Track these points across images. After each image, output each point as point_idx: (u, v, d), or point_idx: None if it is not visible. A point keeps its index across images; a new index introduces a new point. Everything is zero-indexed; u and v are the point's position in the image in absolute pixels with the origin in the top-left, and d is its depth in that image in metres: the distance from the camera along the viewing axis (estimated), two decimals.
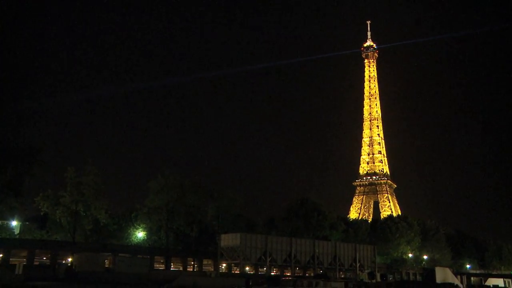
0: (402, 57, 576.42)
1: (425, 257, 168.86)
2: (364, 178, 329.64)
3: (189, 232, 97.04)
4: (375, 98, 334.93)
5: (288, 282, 70.58)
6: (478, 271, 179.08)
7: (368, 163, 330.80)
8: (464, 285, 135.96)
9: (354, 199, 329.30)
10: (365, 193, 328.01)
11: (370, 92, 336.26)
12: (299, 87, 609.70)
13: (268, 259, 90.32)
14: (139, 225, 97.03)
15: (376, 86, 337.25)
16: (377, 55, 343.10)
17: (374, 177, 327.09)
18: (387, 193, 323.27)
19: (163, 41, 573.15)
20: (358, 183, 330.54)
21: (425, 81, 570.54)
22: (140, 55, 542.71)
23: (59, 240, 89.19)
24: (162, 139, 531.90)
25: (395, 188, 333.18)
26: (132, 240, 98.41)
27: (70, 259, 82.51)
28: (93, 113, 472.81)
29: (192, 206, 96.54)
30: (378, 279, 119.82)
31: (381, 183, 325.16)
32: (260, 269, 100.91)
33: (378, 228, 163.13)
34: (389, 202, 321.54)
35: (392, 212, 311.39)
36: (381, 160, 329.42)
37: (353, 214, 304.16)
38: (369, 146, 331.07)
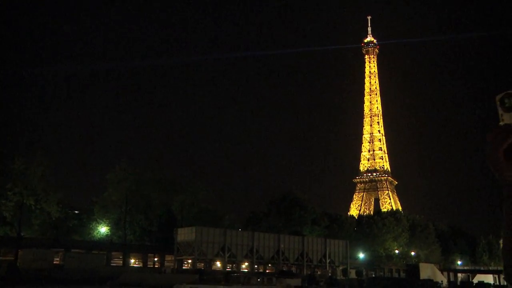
0: (403, 53, 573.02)
1: (413, 253, 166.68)
2: (365, 175, 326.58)
3: (147, 226, 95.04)
4: (376, 94, 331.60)
5: (238, 278, 69.55)
6: (466, 268, 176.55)
7: (368, 160, 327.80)
8: (445, 282, 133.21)
9: (354, 196, 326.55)
10: (365, 190, 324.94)
11: (370, 88, 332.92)
12: (297, 81, 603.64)
13: (227, 255, 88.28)
14: (102, 220, 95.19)
15: (377, 82, 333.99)
16: (377, 50, 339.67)
17: (374, 174, 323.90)
18: (388, 190, 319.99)
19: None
20: (358, 180, 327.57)
21: (427, 77, 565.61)
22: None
23: (1, 235, 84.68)
24: (134, 129, 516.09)
25: (396, 184, 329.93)
26: (94, 236, 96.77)
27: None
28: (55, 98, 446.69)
29: (152, 199, 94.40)
30: (354, 275, 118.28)
31: (381, 179, 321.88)
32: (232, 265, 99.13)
33: (364, 223, 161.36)
34: (390, 199, 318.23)
35: (392, 208, 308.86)
36: (382, 156, 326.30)
37: (353, 211, 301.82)
38: (370, 143, 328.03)
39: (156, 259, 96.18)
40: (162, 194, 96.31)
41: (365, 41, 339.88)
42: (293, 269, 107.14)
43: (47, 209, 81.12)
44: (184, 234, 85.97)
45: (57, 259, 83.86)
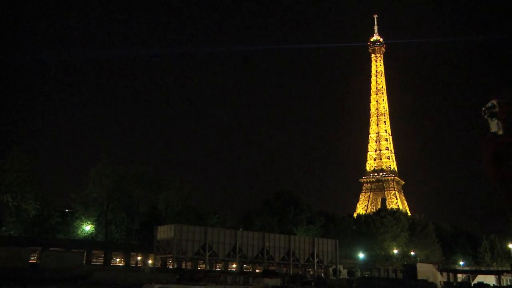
0: (410, 52, 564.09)
1: (412, 253, 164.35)
2: (371, 174, 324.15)
3: (128, 224, 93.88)
4: (382, 93, 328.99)
5: (214, 278, 68.27)
6: (467, 268, 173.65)
7: (375, 160, 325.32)
8: (440, 282, 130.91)
9: (361, 196, 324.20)
10: (372, 190, 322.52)
11: (377, 87, 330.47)
12: (300, 79, 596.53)
13: (208, 253, 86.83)
14: (86, 218, 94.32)
15: (383, 81, 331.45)
16: (384, 49, 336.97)
17: (381, 174, 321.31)
18: (395, 190, 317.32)
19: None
20: (365, 179, 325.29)
21: (434, 77, 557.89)
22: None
23: None
24: (125, 124, 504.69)
25: (403, 184, 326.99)
26: (79, 234, 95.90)
27: None
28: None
29: (135, 196, 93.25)
30: (345, 275, 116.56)
31: (388, 179, 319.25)
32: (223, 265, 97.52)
33: (363, 223, 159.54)
34: (397, 198, 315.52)
35: (399, 208, 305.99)
36: (389, 156, 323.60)
37: (360, 211, 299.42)
38: (376, 142, 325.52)
39: (139, 258, 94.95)
40: (145, 191, 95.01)
41: (372, 40, 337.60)
42: (284, 269, 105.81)
43: (24, 206, 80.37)
44: (163, 232, 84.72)
45: (34, 258, 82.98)
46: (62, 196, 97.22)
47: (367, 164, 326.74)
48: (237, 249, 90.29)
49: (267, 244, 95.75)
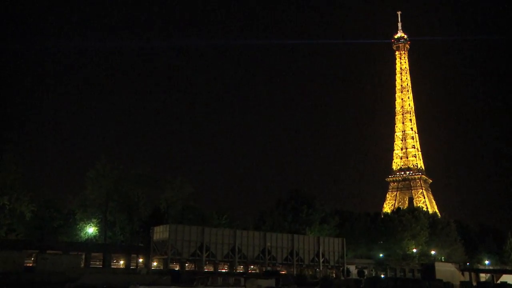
0: (436, 49, 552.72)
1: (433, 252, 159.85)
2: (398, 173, 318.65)
3: (126, 226, 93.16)
4: (408, 91, 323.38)
5: (204, 279, 67.05)
6: (491, 267, 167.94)
7: (401, 158, 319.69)
8: (457, 283, 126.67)
9: (387, 195, 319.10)
10: (398, 189, 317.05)
11: (402, 85, 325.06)
12: (324, 77, 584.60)
13: (205, 254, 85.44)
14: (88, 220, 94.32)
15: (408, 78, 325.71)
16: (408, 46, 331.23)
17: (408, 172, 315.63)
18: (422, 189, 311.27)
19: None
20: (391, 178, 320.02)
21: (461, 74, 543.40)
22: None
23: None
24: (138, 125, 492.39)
25: (431, 183, 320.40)
26: (82, 237, 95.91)
27: None
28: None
29: (136, 197, 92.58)
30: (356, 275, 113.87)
31: (415, 178, 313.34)
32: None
33: (380, 222, 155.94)
34: (424, 197, 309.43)
35: (427, 208, 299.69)
36: (415, 154, 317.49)
37: (387, 211, 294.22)
38: (402, 141, 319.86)
39: (141, 260, 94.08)
40: (146, 192, 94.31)
41: (396, 36, 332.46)
42: (291, 269, 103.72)
43: (19, 208, 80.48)
44: (159, 233, 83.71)
45: (31, 261, 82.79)
46: (64, 198, 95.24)
47: (393, 163, 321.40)
48: (236, 249, 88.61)
49: (268, 244, 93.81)
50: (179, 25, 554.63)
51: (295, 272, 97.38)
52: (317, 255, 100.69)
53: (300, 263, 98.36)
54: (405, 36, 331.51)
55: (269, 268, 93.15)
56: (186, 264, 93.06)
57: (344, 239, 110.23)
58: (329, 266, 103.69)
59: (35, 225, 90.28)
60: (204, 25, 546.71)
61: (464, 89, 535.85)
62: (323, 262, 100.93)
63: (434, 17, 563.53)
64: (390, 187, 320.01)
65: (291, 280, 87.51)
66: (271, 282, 74.12)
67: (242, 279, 67.42)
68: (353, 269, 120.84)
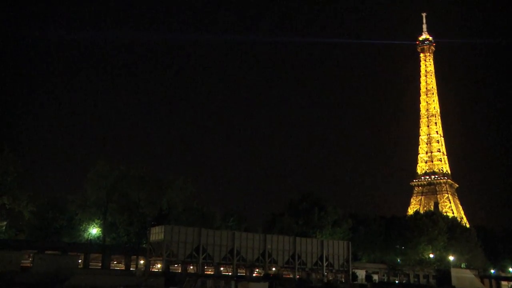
0: (461, 52, 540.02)
1: (451, 258, 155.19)
2: (422, 177, 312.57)
3: (126, 227, 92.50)
4: (433, 93, 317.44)
5: (193, 282, 66.13)
6: None
7: (426, 162, 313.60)
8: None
9: (412, 200, 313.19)
10: (423, 194, 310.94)
11: (427, 88, 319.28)
12: (345, 78, 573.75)
13: (202, 256, 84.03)
14: (88, 220, 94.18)
15: (433, 81, 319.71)
16: (433, 48, 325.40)
17: (433, 177, 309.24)
18: (448, 193, 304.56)
19: None
20: (416, 183, 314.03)
21: (487, 77, 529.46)
22: None
23: None
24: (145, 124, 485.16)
25: (457, 188, 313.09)
26: (85, 237, 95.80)
27: None
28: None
29: (134, 198, 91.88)
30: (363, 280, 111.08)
31: (440, 182, 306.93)
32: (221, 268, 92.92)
33: (395, 226, 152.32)
34: (450, 202, 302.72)
35: (453, 213, 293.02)
36: (441, 158, 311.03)
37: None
38: (427, 144, 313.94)
39: (142, 261, 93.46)
40: (146, 192, 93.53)
41: (420, 38, 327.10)
42: (301, 273, 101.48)
43: (17, 208, 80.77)
44: (155, 234, 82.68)
45: (28, 261, 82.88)
46: (66, 198, 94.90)
47: (418, 167, 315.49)
48: (235, 251, 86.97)
49: (269, 246, 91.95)
50: (184, 21, 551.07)
51: (296, 276, 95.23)
52: (321, 258, 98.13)
53: (302, 266, 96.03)
54: (430, 38, 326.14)
55: (272, 271, 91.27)
56: (191, 267, 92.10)
57: (350, 242, 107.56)
58: (333, 270, 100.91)
59: (38, 225, 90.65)
60: (214, 21, 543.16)
61: (490, 92, 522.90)
62: (327, 266, 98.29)
63: (460, 19, 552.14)
64: (415, 192, 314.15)
65: (293, 284, 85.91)
66: (264, 285, 72.54)
67: (233, 282, 66.16)
68: (363, 273, 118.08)
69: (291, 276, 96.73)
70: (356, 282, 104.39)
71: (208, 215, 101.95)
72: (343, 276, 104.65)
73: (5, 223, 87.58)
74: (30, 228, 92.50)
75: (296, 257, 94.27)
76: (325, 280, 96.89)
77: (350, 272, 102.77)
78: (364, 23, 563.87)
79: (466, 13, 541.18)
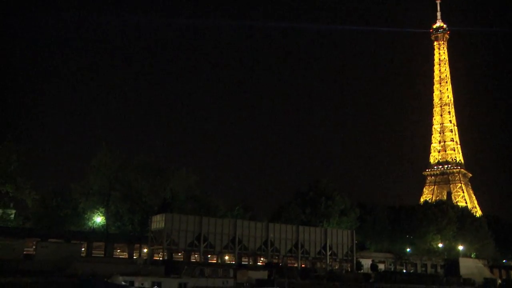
0: (476, 39, 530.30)
1: (460, 247, 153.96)
2: (435, 167, 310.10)
3: (131, 216, 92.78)
4: (446, 82, 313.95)
5: (192, 270, 66.13)
6: None
7: (439, 152, 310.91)
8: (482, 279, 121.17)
9: (424, 189, 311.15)
10: (436, 183, 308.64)
11: (440, 76, 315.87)
12: (357, 66, 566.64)
13: (203, 245, 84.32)
14: (97, 209, 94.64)
15: (447, 69, 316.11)
16: (448, 36, 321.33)
17: (446, 166, 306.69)
18: (461, 183, 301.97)
19: None
20: (428, 172, 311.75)
21: (501, 65, 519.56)
22: None
23: None
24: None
25: (471, 177, 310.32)
26: (90, 226, 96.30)
27: None
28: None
29: (137, 187, 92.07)
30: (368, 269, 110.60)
31: (453, 172, 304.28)
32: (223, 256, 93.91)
33: (403, 215, 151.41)
34: (463, 192, 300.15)
35: (466, 203, 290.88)
36: (454, 148, 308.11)
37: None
38: (440, 134, 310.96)
39: (145, 250, 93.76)
40: (149, 181, 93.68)
41: (434, 26, 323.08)
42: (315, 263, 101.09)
43: (20, 196, 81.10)
44: (156, 222, 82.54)
45: (31, 249, 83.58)
46: (70, 187, 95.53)
47: (431, 157, 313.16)
48: (237, 240, 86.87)
49: (271, 235, 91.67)
50: (193, 5, 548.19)
51: (299, 265, 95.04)
52: (324, 247, 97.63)
53: (305, 255, 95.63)
54: (444, 26, 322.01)
55: (272, 261, 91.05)
56: (196, 255, 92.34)
57: (354, 231, 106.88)
58: (337, 259, 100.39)
59: (42, 213, 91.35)
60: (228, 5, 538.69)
61: (505, 80, 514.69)
62: (330, 254, 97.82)
63: (475, 7, 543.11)
64: (428, 181, 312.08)
65: (295, 273, 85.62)
66: (263, 274, 72.31)
67: (232, 270, 66.06)
68: (369, 263, 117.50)
69: (296, 265, 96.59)
70: (361, 271, 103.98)
71: (212, 204, 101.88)
72: (348, 265, 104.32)
73: (14, 211, 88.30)
74: (36, 217, 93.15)
75: (299, 246, 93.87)
76: (331, 269, 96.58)
77: (355, 261, 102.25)
78: (377, 11, 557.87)
79: (481, 0, 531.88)
